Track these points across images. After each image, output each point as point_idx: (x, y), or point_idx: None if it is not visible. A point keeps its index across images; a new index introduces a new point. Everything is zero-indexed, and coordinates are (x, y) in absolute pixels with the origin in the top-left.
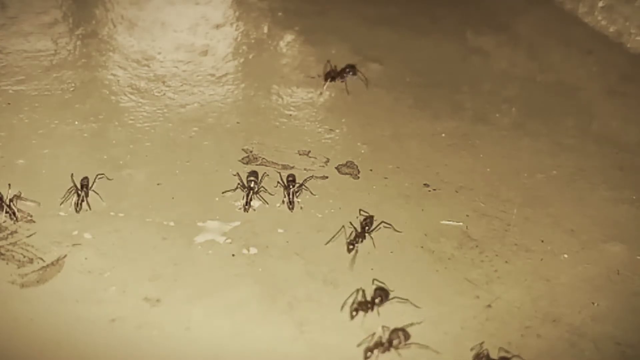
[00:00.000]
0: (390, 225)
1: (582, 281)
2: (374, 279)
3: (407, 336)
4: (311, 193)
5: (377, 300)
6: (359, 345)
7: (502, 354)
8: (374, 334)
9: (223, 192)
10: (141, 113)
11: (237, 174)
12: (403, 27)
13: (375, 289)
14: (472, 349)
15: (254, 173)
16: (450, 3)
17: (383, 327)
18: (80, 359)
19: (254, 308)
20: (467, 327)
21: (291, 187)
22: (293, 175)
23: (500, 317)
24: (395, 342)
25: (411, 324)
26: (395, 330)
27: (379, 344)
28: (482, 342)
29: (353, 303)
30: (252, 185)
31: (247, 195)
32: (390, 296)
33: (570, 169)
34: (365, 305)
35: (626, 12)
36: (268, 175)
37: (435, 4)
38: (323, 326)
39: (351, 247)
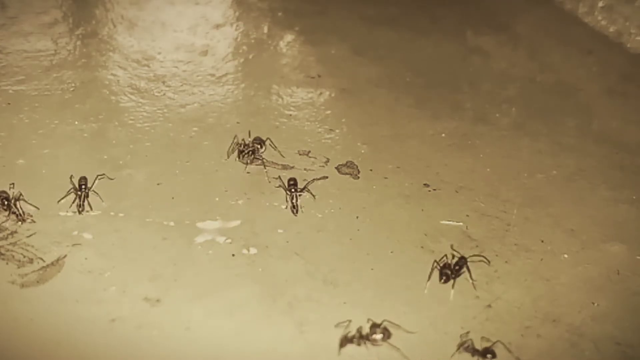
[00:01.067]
0: (485, 258)
1: (582, 281)
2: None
3: (387, 335)
4: (311, 194)
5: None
6: (336, 325)
7: (485, 344)
8: (350, 321)
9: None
10: (141, 113)
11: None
12: (403, 27)
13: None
14: (461, 336)
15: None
16: (450, 3)
17: (369, 319)
18: (80, 359)
19: (254, 308)
20: (467, 327)
21: (293, 190)
22: (294, 179)
23: (500, 317)
24: (372, 337)
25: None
26: (379, 326)
27: (356, 336)
28: (468, 332)
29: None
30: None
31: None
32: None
33: (570, 169)
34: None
35: (626, 12)
36: (265, 170)
37: (435, 4)
38: (323, 326)
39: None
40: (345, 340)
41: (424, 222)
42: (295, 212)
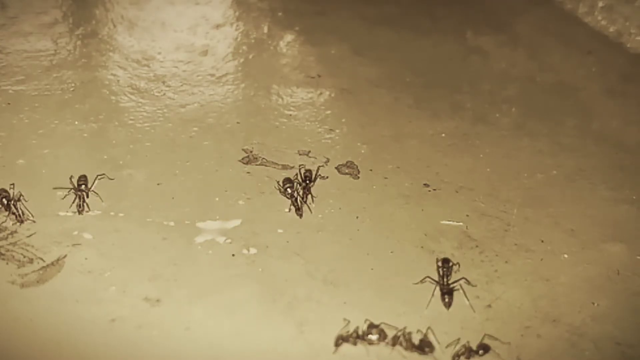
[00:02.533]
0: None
1: (582, 281)
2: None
3: (383, 336)
4: (311, 194)
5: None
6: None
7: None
8: (348, 322)
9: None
10: (141, 113)
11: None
12: (403, 27)
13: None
14: (447, 346)
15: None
16: (450, 3)
17: (366, 320)
18: (80, 359)
19: (254, 308)
20: (467, 327)
21: (289, 190)
22: (289, 179)
23: (500, 317)
24: (368, 337)
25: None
26: (377, 327)
27: (352, 335)
28: (458, 339)
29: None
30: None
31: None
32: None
33: (570, 169)
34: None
35: (626, 12)
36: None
37: (435, 4)
38: (323, 326)
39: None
40: (340, 339)
41: (424, 222)
42: (300, 215)
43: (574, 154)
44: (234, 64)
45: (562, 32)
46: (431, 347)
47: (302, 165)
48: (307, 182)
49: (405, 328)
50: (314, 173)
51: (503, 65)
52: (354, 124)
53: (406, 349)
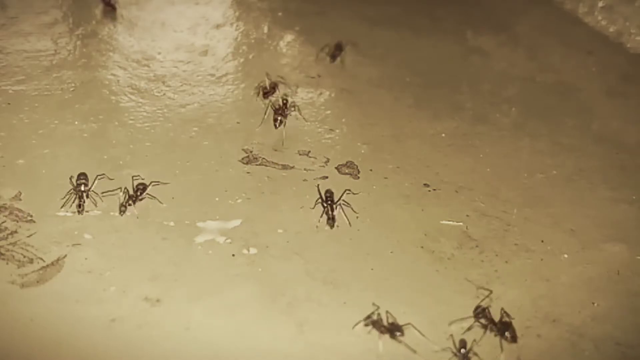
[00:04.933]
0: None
1: (582, 281)
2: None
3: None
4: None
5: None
6: (363, 322)
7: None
8: (378, 307)
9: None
10: (141, 113)
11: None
12: (403, 27)
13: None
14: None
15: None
16: (450, 3)
17: (387, 312)
18: (80, 359)
19: (254, 308)
20: (467, 326)
21: (330, 202)
22: (331, 191)
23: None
24: (396, 335)
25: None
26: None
27: (378, 325)
28: (378, 307)
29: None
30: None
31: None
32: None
33: (570, 169)
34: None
35: (626, 12)
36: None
37: (435, 4)
38: (323, 326)
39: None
40: (369, 322)
41: (424, 222)
42: (332, 224)
43: (574, 154)
44: (234, 64)
45: (562, 32)
46: (401, 331)
47: (318, 180)
48: (330, 202)
49: (378, 309)
50: (334, 195)
51: (503, 65)
52: (354, 124)
53: (380, 332)
